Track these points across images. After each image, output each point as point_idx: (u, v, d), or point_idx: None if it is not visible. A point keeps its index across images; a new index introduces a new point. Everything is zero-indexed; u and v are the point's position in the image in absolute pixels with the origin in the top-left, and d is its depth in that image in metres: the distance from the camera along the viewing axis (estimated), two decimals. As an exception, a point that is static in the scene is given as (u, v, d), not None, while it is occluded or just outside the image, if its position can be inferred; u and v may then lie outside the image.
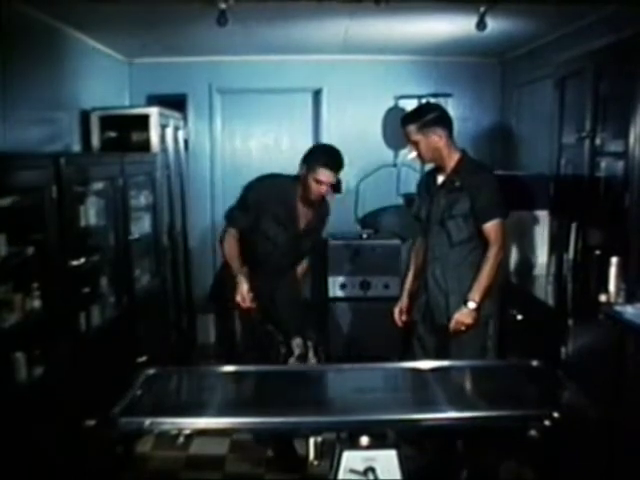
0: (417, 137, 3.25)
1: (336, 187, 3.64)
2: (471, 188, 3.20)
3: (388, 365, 3.08)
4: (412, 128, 3.25)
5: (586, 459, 3.01)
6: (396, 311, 3.55)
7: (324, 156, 3.55)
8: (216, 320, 4.46)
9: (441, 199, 3.28)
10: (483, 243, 3.22)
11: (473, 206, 3.19)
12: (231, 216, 3.66)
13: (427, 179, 3.49)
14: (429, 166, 3.51)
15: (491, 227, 3.19)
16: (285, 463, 3.58)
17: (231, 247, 3.58)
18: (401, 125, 3.33)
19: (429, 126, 3.23)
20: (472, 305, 3.17)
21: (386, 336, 4.49)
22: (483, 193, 3.19)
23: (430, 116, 3.27)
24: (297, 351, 3.59)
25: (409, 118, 3.33)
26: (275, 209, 3.60)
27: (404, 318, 3.53)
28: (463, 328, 3.20)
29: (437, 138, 3.24)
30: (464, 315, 3.19)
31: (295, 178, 3.63)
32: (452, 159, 3.29)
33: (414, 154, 3.36)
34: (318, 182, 3.51)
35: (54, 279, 2.92)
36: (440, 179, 3.34)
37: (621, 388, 2.70)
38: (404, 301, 3.54)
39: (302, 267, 3.98)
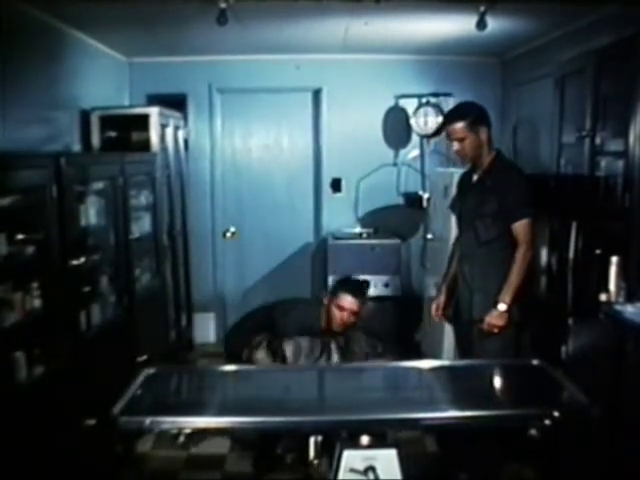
0: (465, 134, 3.23)
1: (358, 314, 3.70)
2: (500, 187, 3.20)
3: (388, 365, 3.07)
4: (461, 125, 3.23)
5: (586, 459, 3.01)
6: (433, 306, 3.57)
7: (348, 283, 3.75)
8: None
9: (472, 198, 3.31)
10: (512, 243, 3.18)
11: (501, 205, 3.17)
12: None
13: (464, 177, 3.51)
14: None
15: (519, 226, 3.16)
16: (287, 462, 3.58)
17: None
18: (447, 122, 3.33)
19: (477, 123, 3.24)
20: (502, 307, 3.13)
21: (386, 335, 4.48)
22: (512, 192, 3.18)
23: (476, 114, 3.28)
24: (289, 352, 3.58)
25: (458, 115, 3.30)
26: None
27: (439, 312, 3.54)
28: (496, 330, 3.15)
29: (484, 136, 3.26)
30: (495, 317, 3.14)
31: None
32: (488, 157, 3.30)
33: (456, 149, 3.30)
34: (340, 309, 3.63)
35: (54, 278, 2.92)
36: (474, 178, 3.36)
37: (621, 387, 2.70)
38: (441, 296, 3.53)
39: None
